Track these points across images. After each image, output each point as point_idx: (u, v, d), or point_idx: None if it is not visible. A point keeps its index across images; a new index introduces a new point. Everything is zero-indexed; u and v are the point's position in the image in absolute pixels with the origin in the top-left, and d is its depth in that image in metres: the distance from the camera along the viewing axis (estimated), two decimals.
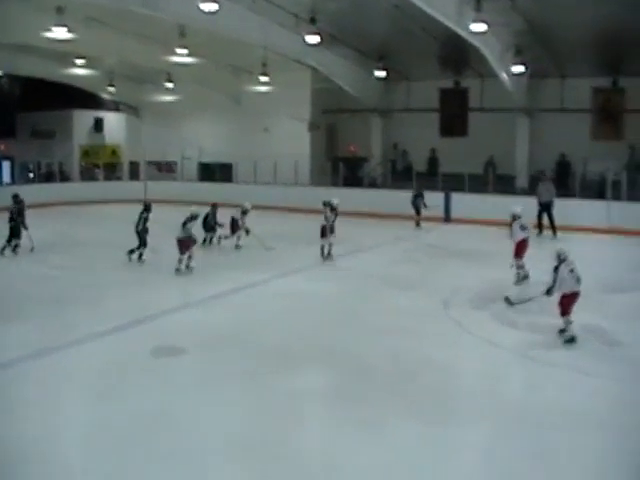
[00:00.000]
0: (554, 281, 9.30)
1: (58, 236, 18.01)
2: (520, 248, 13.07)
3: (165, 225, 15.34)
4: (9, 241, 15.84)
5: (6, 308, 10.95)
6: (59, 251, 16.52)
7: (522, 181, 24.93)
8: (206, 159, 29.76)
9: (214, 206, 17.08)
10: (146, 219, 14.93)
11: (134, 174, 31.97)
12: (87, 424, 6.68)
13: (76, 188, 28.96)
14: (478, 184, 23.24)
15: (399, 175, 26.65)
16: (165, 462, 5.95)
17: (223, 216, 17.10)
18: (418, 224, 21.76)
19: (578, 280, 9.25)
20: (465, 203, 22.50)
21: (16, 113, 32.91)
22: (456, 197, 22.85)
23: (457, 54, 23.51)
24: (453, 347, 9.33)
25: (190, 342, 9.28)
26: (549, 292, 9.38)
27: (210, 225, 16.96)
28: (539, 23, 19.51)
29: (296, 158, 26.11)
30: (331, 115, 29.05)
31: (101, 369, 8.23)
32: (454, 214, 22.76)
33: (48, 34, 18.90)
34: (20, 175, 28.65)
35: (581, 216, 19.69)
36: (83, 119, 32.71)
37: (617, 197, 20.74)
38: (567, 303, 9.27)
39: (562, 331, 9.41)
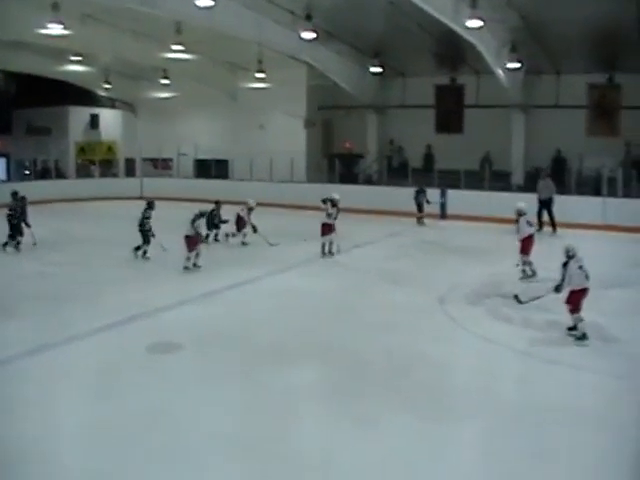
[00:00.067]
0: (563, 278, 9.23)
1: (54, 233, 18.00)
2: (527, 244, 13.09)
3: (162, 222, 15.33)
4: (12, 237, 15.97)
5: (3, 305, 10.92)
6: (56, 248, 16.52)
7: (518, 177, 25.00)
8: (202, 156, 29.73)
9: (217, 203, 17.04)
10: (149, 217, 14.97)
11: (130, 171, 31.94)
12: (84, 422, 6.69)
13: (72, 185, 28.90)
14: (474, 180, 23.26)
15: (395, 171, 26.65)
16: (163, 460, 5.97)
17: (225, 213, 17.11)
18: (419, 221, 21.68)
19: (587, 276, 9.19)
20: (461, 199, 22.50)
21: (11, 110, 32.78)
22: (452, 193, 22.85)
23: (453, 50, 23.50)
24: (449, 343, 9.36)
25: (187, 339, 9.31)
26: (558, 289, 9.31)
27: (214, 222, 16.94)
28: (534, 19, 19.54)
29: (292, 155, 26.10)
30: (327, 112, 29.03)
31: (98, 366, 8.24)
32: (450, 210, 22.76)
33: (44, 31, 18.86)
34: (16, 172, 28.58)
35: (577, 213, 19.71)
36: (79, 116, 32.63)
37: (613, 193, 20.77)
38: (576, 299, 9.18)
39: (571, 329, 9.32)
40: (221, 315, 10.71)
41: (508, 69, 21.88)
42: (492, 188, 22.87)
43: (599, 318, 9.92)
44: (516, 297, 10.69)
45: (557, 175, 20.93)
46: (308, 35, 19.56)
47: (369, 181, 27.66)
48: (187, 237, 13.77)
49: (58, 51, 25.06)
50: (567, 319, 9.52)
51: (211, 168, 29.47)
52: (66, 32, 18.72)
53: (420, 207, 21.64)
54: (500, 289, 12.32)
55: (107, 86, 30.73)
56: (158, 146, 29.61)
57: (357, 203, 22.87)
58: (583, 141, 24.07)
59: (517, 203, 13.82)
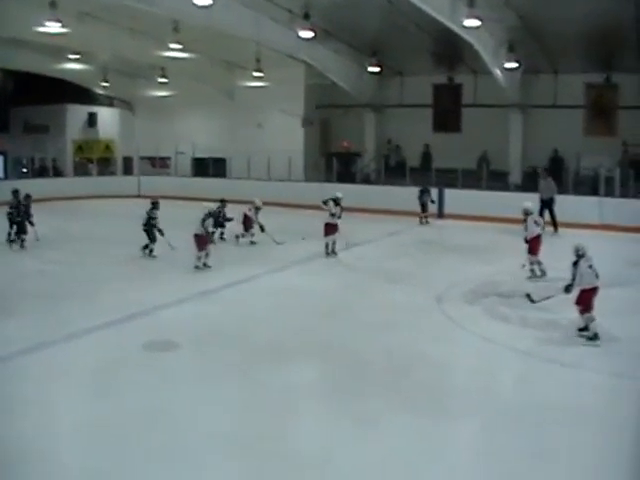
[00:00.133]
0: (574, 277, 9.17)
1: (53, 231, 17.96)
2: (535, 244, 13.08)
3: (160, 220, 15.31)
4: (18, 235, 16.11)
5: (2, 303, 10.93)
6: (54, 246, 16.49)
7: (515, 177, 25.03)
8: (200, 154, 29.68)
9: (223, 202, 16.97)
10: (156, 217, 15.03)
11: (128, 169, 31.91)
12: (83, 421, 6.69)
13: (69, 183, 28.88)
14: (471, 180, 23.28)
15: (392, 171, 26.64)
16: (162, 458, 5.97)
17: (229, 211, 17.13)
18: (422, 221, 21.61)
19: (597, 275, 9.13)
20: (458, 199, 22.52)
21: (9, 108, 32.72)
22: (449, 193, 22.87)
23: (450, 50, 23.52)
24: (447, 342, 9.37)
25: (185, 337, 9.31)
26: (568, 289, 9.22)
27: (219, 221, 16.91)
28: (532, 19, 19.55)
29: (289, 153, 26.08)
30: (324, 110, 29.04)
31: (96, 364, 8.24)
32: (447, 210, 22.77)
33: (41, 29, 18.82)
34: (13, 170, 28.52)
35: (574, 212, 19.72)
36: (76, 114, 32.55)
37: (610, 193, 20.79)
38: (588, 298, 9.11)
39: (582, 330, 9.25)
40: (220, 313, 10.72)
41: (506, 68, 21.90)
42: (489, 187, 22.90)
43: (599, 317, 9.89)
44: (528, 296, 10.50)
45: (555, 175, 20.94)
46: (306, 34, 19.56)
47: (367, 180, 27.63)
48: (196, 236, 13.75)
49: (56, 49, 25.01)
50: (565, 319, 9.57)
51: (209, 167, 29.42)
52: (64, 30, 18.69)
53: (424, 207, 21.61)
54: (498, 288, 12.35)
55: (105, 84, 30.66)
56: (156, 144, 29.58)
57: (354, 202, 22.75)
58: (580, 141, 24.07)
59: (523, 203, 13.81)
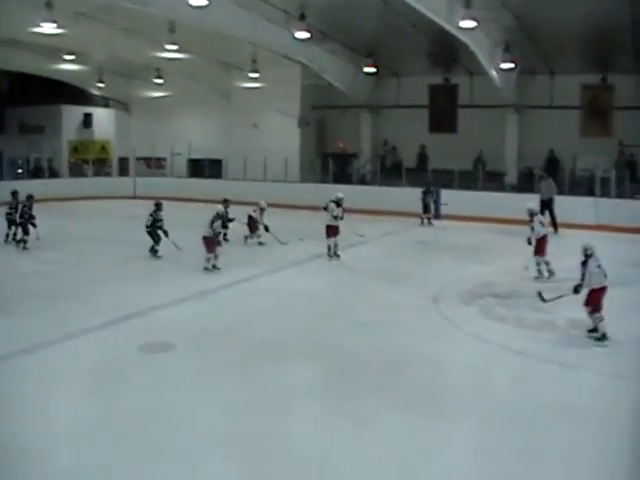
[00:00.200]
0: (583, 276, 9.13)
1: (50, 231, 17.88)
2: (542, 245, 13.09)
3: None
4: (22, 236, 16.19)
5: None
6: (51, 246, 16.44)
7: (511, 177, 25.07)
8: (196, 155, 29.69)
9: (226, 202, 16.90)
10: (161, 218, 15.08)
11: (123, 170, 31.92)
12: (80, 421, 6.67)
13: (65, 184, 28.81)
14: (467, 180, 23.32)
15: (388, 171, 26.66)
16: (159, 458, 5.96)
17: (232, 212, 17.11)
18: (423, 221, 21.53)
19: (605, 275, 9.13)
20: (454, 199, 22.52)
21: (4, 108, 32.68)
22: (445, 193, 22.88)
23: (446, 50, 23.53)
24: (443, 342, 9.38)
25: (183, 337, 9.29)
26: (577, 290, 9.18)
27: (223, 221, 16.86)
28: (528, 20, 19.57)
29: (286, 154, 26.11)
30: (321, 111, 29.05)
31: (94, 365, 8.22)
32: (443, 210, 22.75)
33: (37, 29, 18.82)
34: (9, 171, 28.46)
35: (570, 213, 19.74)
36: (72, 115, 32.50)
37: (606, 194, 20.83)
38: (597, 298, 9.09)
39: (592, 331, 9.20)
40: (217, 314, 10.71)
41: (502, 69, 21.90)
42: (485, 188, 22.94)
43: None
44: (540, 295, 10.25)
45: (551, 175, 20.98)
46: (302, 35, 19.54)
47: (363, 181, 27.67)
48: (205, 238, 13.72)
49: (52, 50, 25.00)
50: (560, 319, 9.59)
51: (204, 167, 29.45)
52: (59, 31, 18.71)
53: (427, 208, 21.56)
54: (494, 289, 12.36)
55: (101, 85, 30.70)
56: (151, 145, 29.59)
57: (351, 203, 22.64)
58: (576, 141, 24.11)
59: (527, 204, 13.81)
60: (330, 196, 15.79)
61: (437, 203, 22.73)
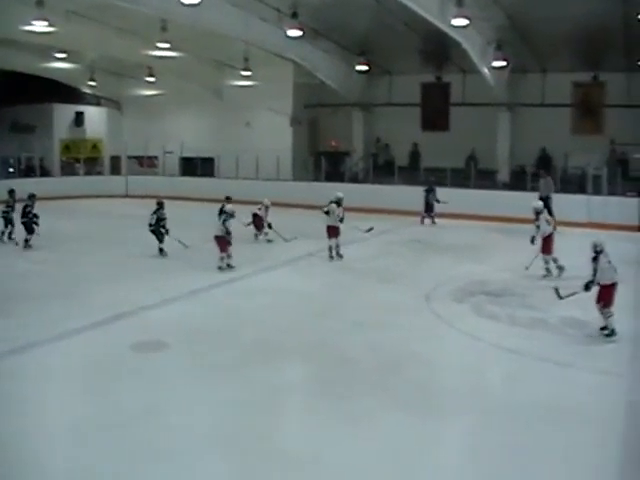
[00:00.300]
0: (594, 273, 9.12)
1: (42, 231, 17.84)
2: (549, 243, 13.09)
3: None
4: (31, 232, 16.22)
5: None
6: (42, 246, 16.37)
7: (503, 175, 25.11)
8: (188, 153, 29.60)
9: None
10: (164, 217, 15.12)
11: (115, 169, 31.79)
12: (72, 421, 6.65)
13: (57, 183, 28.68)
14: (460, 178, 23.34)
15: (381, 169, 26.65)
16: (151, 458, 5.95)
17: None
18: (424, 220, 21.43)
19: (616, 270, 9.14)
20: (447, 197, 22.47)
21: None
22: (438, 191, 22.82)
23: (439, 49, 23.55)
24: (436, 341, 9.40)
25: (175, 337, 9.28)
26: (588, 287, 9.17)
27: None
28: (520, 18, 19.62)
29: (278, 153, 26.06)
30: (313, 109, 29.04)
31: (86, 365, 8.21)
32: (436, 208, 22.67)
33: (28, 27, 18.71)
34: (0, 170, 28.34)
35: (562, 210, 19.72)
36: (64, 113, 32.35)
37: (598, 191, 20.88)
38: (608, 293, 9.09)
39: (604, 328, 9.19)
40: (209, 313, 10.70)
41: (494, 67, 21.94)
42: (478, 186, 22.97)
43: (589, 315, 9.91)
44: (556, 291, 10.10)
45: (549, 174, 21.03)
46: (294, 33, 19.50)
47: (355, 179, 27.60)
48: (217, 237, 13.71)
49: (43, 48, 24.83)
50: (553, 317, 9.59)
51: (197, 166, 29.39)
52: (51, 29, 18.56)
53: (429, 206, 21.43)
54: (486, 287, 12.38)
55: (92, 83, 30.53)
56: (144, 144, 29.50)
57: (344, 201, 22.81)
58: (568, 139, 24.15)
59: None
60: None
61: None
